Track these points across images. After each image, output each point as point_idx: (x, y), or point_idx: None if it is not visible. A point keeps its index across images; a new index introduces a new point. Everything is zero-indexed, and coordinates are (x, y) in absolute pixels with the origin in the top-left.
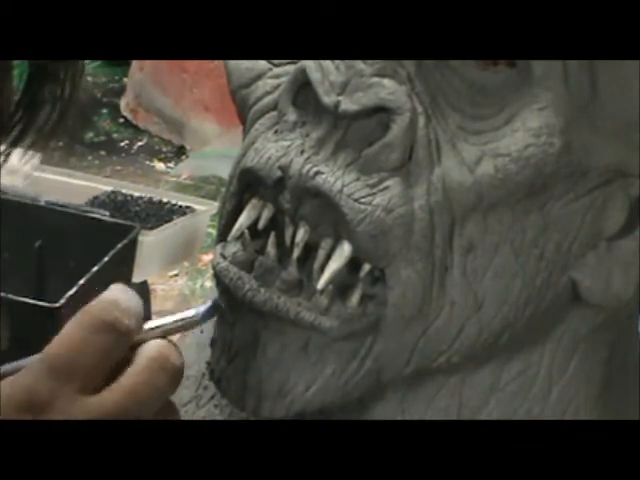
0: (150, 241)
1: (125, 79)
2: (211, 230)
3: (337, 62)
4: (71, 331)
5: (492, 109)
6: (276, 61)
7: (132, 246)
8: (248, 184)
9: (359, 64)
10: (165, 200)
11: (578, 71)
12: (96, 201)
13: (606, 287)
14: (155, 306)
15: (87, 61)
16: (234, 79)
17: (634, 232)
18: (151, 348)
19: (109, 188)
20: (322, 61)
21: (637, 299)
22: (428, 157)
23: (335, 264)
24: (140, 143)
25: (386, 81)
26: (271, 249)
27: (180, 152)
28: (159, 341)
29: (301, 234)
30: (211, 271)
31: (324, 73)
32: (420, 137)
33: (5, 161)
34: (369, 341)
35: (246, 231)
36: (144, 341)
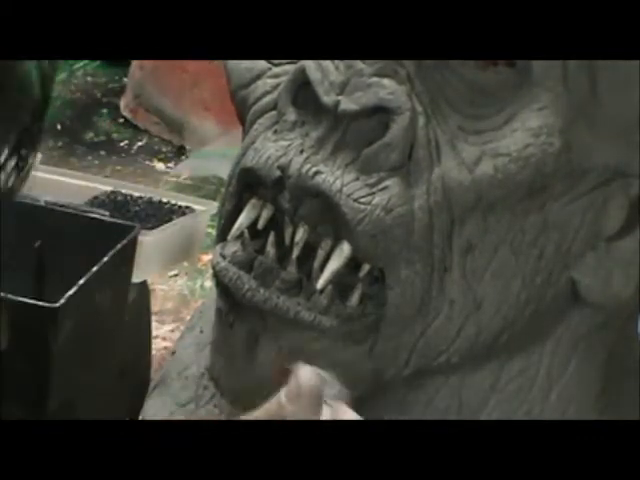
0: (150, 241)
1: (125, 79)
2: (211, 230)
3: (337, 62)
4: None
5: (492, 109)
6: (276, 61)
7: (132, 246)
8: (248, 184)
9: (359, 64)
10: (165, 200)
11: (578, 71)
12: (96, 201)
13: (606, 287)
14: (155, 306)
15: (87, 61)
16: (234, 79)
17: (634, 232)
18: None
19: (109, 188)
20: (322, 61)
21: (637, 299)
22: (428, 157)
23: (334, 264)
24: (140, 143)
25: (386, 81)
26: (270, 249)
27: (180, 152)
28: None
29: (300, 234)
30: (211, 271)
31: (324, 73)
32: (420, 137)
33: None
34: (369, 341)
35: (246, 231)
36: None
